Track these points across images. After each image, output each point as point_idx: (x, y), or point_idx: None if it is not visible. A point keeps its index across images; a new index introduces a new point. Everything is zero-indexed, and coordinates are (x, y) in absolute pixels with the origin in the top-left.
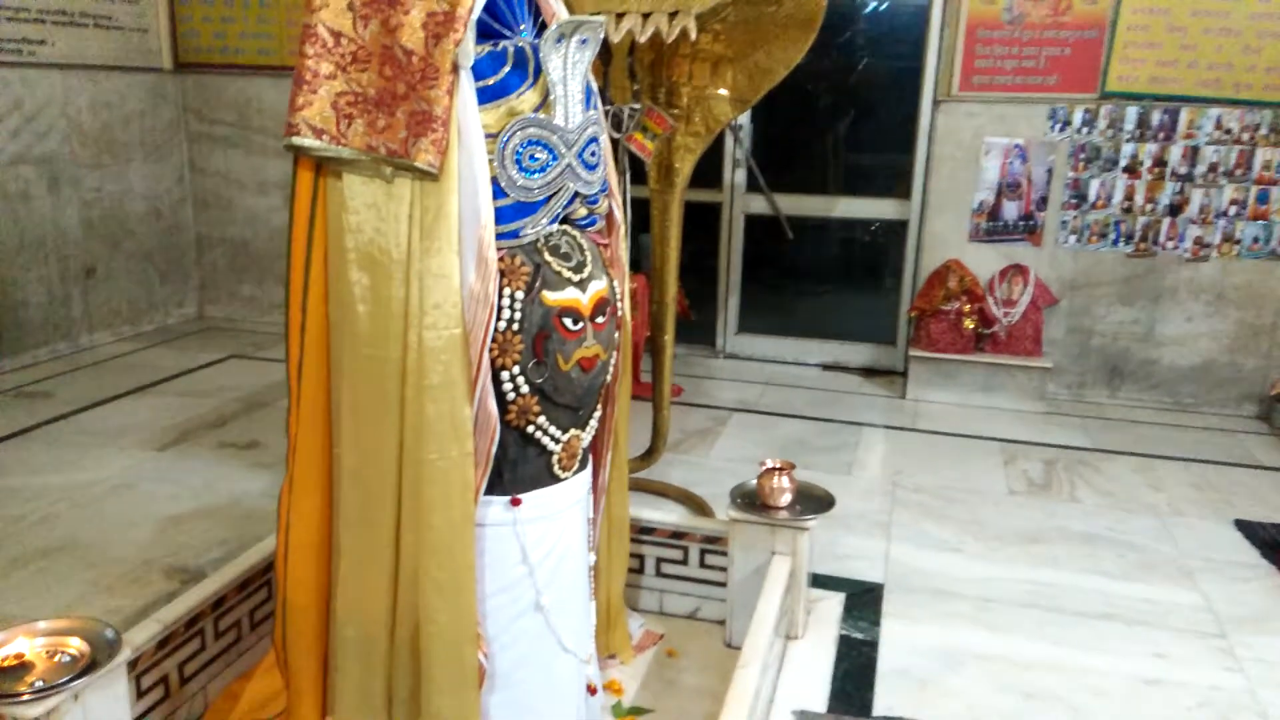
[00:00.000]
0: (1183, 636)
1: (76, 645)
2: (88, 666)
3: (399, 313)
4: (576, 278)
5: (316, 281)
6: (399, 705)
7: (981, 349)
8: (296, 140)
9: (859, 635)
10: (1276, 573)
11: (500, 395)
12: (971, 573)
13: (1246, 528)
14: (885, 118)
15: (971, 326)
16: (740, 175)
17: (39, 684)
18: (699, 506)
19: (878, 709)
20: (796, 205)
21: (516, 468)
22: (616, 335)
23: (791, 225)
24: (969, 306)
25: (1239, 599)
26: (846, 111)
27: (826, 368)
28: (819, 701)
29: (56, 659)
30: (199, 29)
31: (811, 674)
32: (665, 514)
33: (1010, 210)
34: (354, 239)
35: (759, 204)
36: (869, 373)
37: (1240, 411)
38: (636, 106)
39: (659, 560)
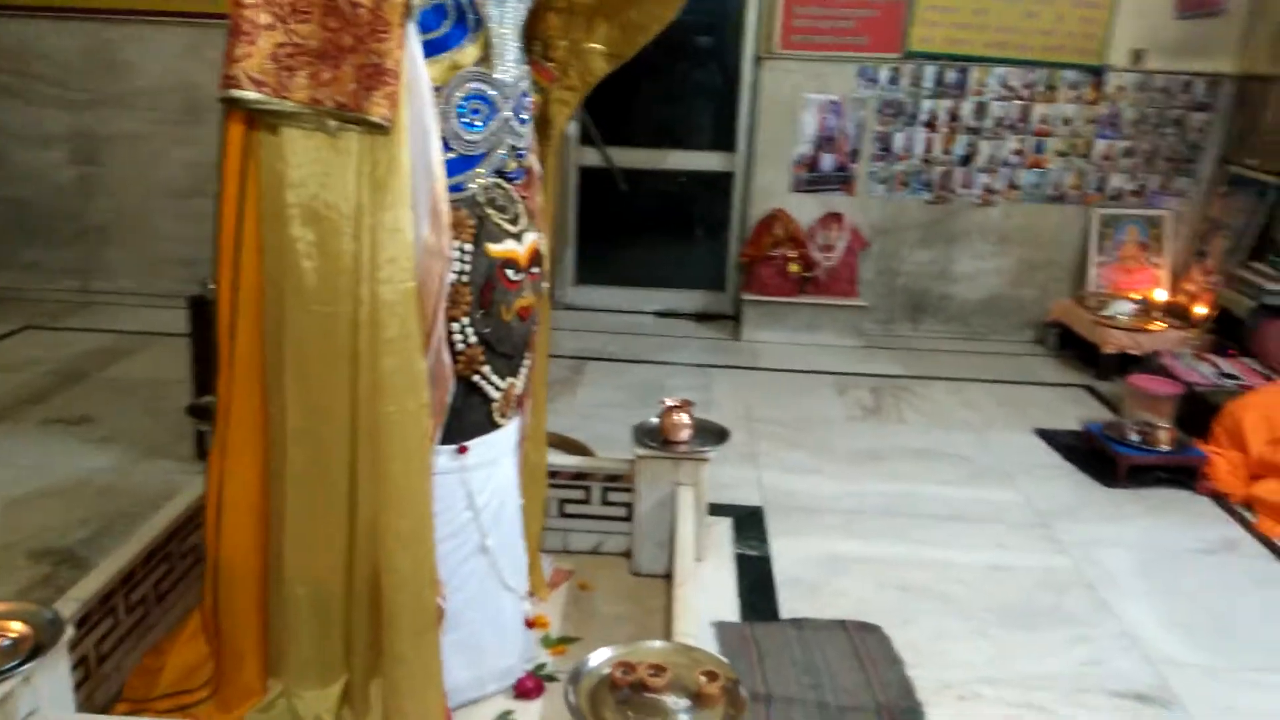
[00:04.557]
0: (1016, 529)
1: (18, 628)
2: (34, 649)
3: (349, 268)
4: (514, 230)
5: (250, 239)
6: (357, 655)
7: (805, 291)
8: (236, 93)
9: (753, 553)
10: (1077, 471)
11: (450, 346)
12: (835, 490)
13: (1046, 435)
14: (711, 74)
15: (796, 271)
16: (573, 128)
17: None
18: (579, 449)
19: (784, 613)
20: (629, 158)
21: (462, 416)
22: (543, 285)
23: (624, 177)
24: (793, 253)
25: (1052, 495)
26: (675, 68)
27: (661, 315)
28: (732, 613)
29: None
30: None
31: (720, 590)
32: (558, 458)
33: (827, 162)
34: (296, 194)
35: (592, 156)
36: (702, 318)
37: (1021, 337)
38: None
39: (561, 501)
